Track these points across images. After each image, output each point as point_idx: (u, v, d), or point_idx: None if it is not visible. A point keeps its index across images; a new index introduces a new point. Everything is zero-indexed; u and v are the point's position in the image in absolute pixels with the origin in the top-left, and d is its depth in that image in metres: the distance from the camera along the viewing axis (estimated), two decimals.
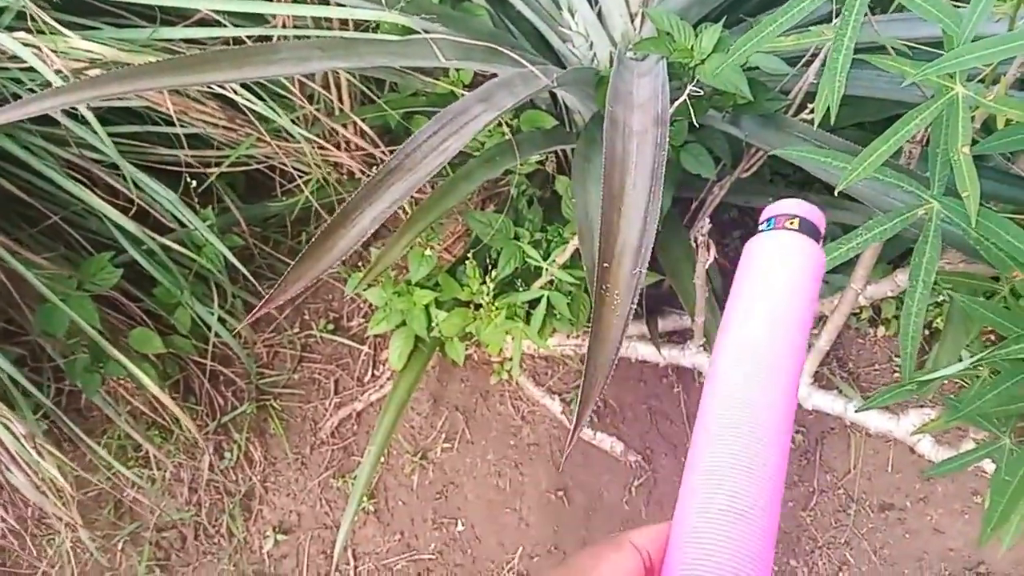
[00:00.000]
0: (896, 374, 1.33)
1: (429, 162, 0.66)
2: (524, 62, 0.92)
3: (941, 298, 1.24)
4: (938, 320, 1.27)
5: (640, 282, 0.54)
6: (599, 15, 1.15)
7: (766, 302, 0.35)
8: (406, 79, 1.32)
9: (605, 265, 0.54)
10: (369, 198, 0.64)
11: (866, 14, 0.62)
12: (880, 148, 0.59)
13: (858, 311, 1.35)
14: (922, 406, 1.00)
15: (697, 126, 1.06)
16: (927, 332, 1.31)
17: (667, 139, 0.65)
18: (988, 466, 0.98)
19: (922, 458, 1.18)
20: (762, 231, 0.38)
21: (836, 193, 0.63)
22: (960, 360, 0.86)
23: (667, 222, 1.19)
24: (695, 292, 0.96)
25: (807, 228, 0.37)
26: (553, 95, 1.34)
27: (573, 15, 1.19)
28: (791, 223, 0.37)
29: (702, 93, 0.71)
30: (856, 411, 1.03)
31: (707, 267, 1.02)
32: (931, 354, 1.22)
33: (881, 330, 1.35)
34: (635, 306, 0.54)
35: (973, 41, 0.56)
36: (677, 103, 0.70)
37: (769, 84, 1.00)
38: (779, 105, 0.97)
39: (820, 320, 1.15)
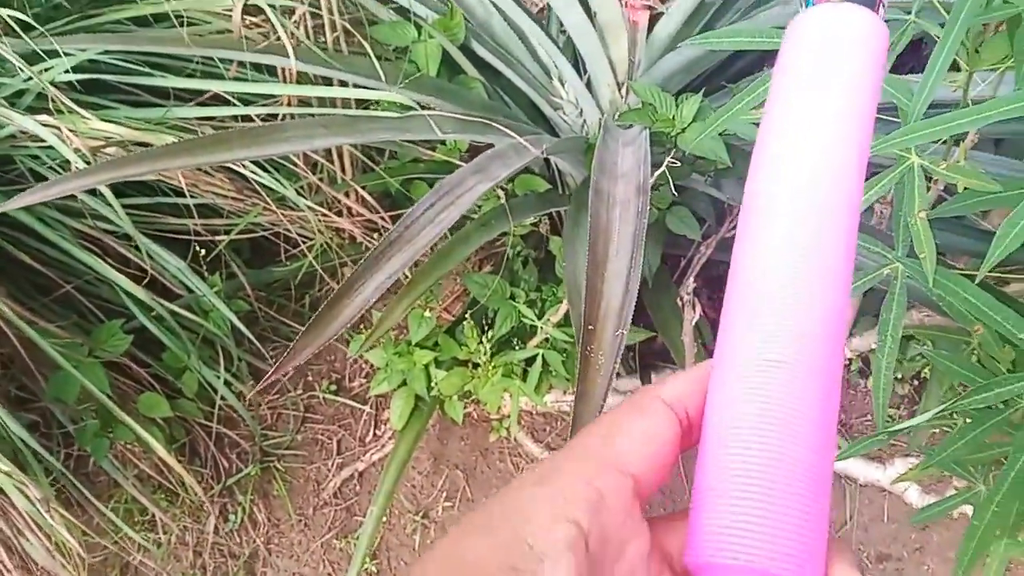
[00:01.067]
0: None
1: (427, 232, 0.71)
2: (516, 136, 0.98)
3: (926, 346, 1.28)
4: (926, 370, 1.31)
5: (622, 343, 0.58)
6: (588, 84, 1.21)
7: (821, 96, 0.27)
8: (405, 147, 1.38)
9: (590, 327, 0.58)
10: (372, 269, 0.69)
11: None
12: None
13: (848, 363, 1.39)
14: (907, 456, 1.02)
15: (681, 188, 1.12)
16: (916, 383, 1.34)
17: (648, 207, 0.70)
18: None
19: (913, 508, 1.20)
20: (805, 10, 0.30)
21: None
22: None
23: (657, 280, 1.24)
24: (684, 347, 1.00)
25: None
26: (547, 159, 1.41)
27: (563, 84, 1.26)
28: None
29: (680, 164, 0.76)
30: (836, 459, 1.06)
31: (695, 323, 1.06)
32: (920, 404, 1.25)
33: (870, 381, 1.38)
34: (618, 365, 0.58)
35: (928, 110, 0.61)
36: (658, 171, 0.75)
37: (747, 149, 1.05)
38: None
39: None
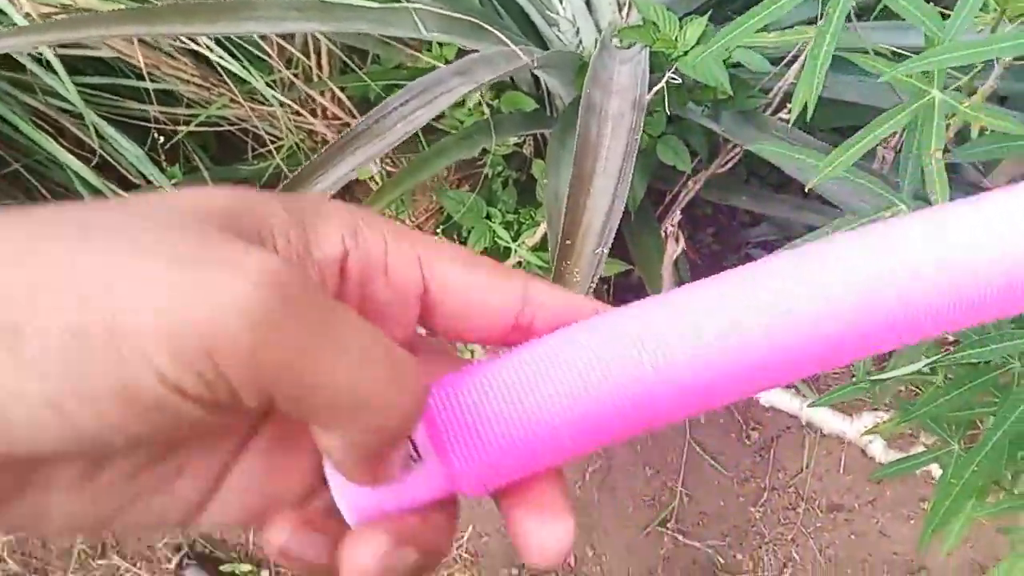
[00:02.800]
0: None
1: (397, 130, 0.65)
2: (508, 41, 0.91)
3: None
4: None
5: (602, 262, 0.54)
6: (587, 1, 1.14)
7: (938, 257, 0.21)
8: (389, 51, 1.30)
9: (568, 242, 0.54)
10: (333, 160, 0.63)
11: (851, 19, 0.63)
12: (853, 147, 0.59)
13: None
14: (876, 409, 1.01)
15: (676, 117, 1.06)
16: None
17: (642, 124, 0.65)
18: (937, 472, 1.00)
19: (873, 461, 1.19)
20: None
21: (807, 191, 0.63)
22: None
23: (640, 213, 1.19)
24: (663, 281, 0.96)
25: None
26: (536, 79, 1.33)
27: (562, 0, 1.19)
28: None
29: (681, 82, 0.71)
30: (808, 406, 1.05)
31: (676, 258, 1.02)
32: (891, 361, 1.23)
33: None
34: (594, 284, 0.54)
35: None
36: (656, 88, 0.70)
37: (751, 83, 1.00)
38: (758, 103, 0.97)
39: None
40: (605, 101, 0.73)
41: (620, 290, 1.29)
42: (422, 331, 0.24)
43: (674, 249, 0.87)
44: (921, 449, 0.85)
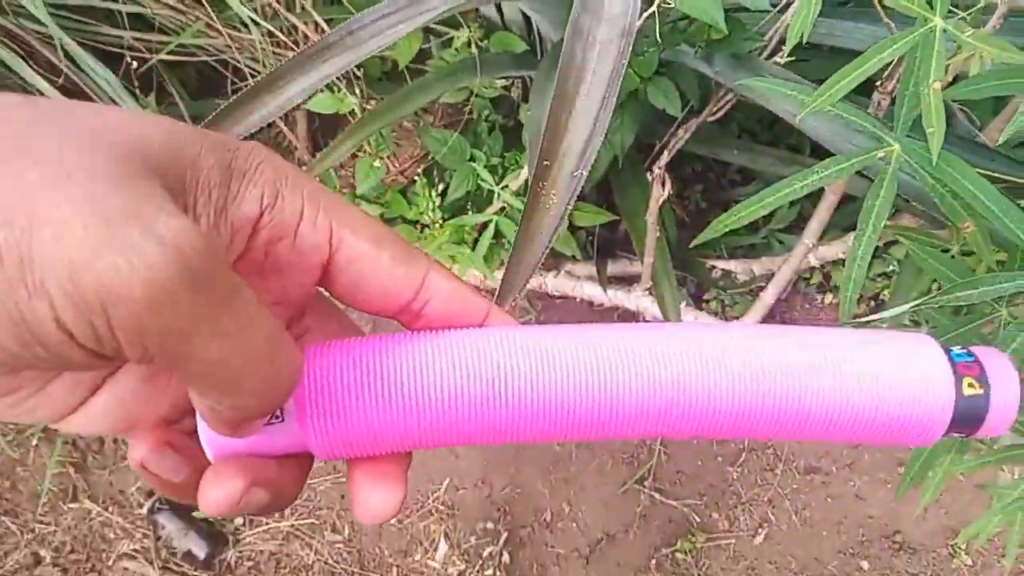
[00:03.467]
0: None
1: (371, 44, 0.61)
2: None
3: (891, 268, 1.23)
4: (885, 292, 1.27)
5: (578, 185, 0.51)
6: None
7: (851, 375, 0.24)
8: None
9: (546, 163, 0.51)
10: (302, 67, 0.59)
11: None
12: (848, 76, 0.56)
13: (808, 275, 1.34)
14: None
15: (667, 62, 1.03)
16: (874, 303, 1.30)
17: (629, 50, 0.62)
18: None
19: None
20: (944, 350, 0.25)
21: (799, 120, 0.60)
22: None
23: (628, 163, 1.16)
24: (648, 229, 0.93)
25: (972, 408, 0.24)
26: (528, 21, 1.29)
27: None
28: (972, 385, 0.24)
29: (672, 5, 0.67)
30: None
31: (661, 208, 0.99)
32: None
33: (829, 297, 1.34)
34: (570, 208, 0.51)
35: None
36: (647, 13, 0.66)
37: (747, 24, 0.96)
38: (754, 45, 0.94)
39: (769, 276, 1.13)
40: (594, 27, 0.70)
41: (605, 243, 1.26)
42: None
43: (660, 194, 0.84)
44: None
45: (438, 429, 0.23)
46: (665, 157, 0.77)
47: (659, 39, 0.70)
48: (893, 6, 0.53)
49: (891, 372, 0.24)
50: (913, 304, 0.54)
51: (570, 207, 0.51)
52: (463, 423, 0.23)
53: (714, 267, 1.25)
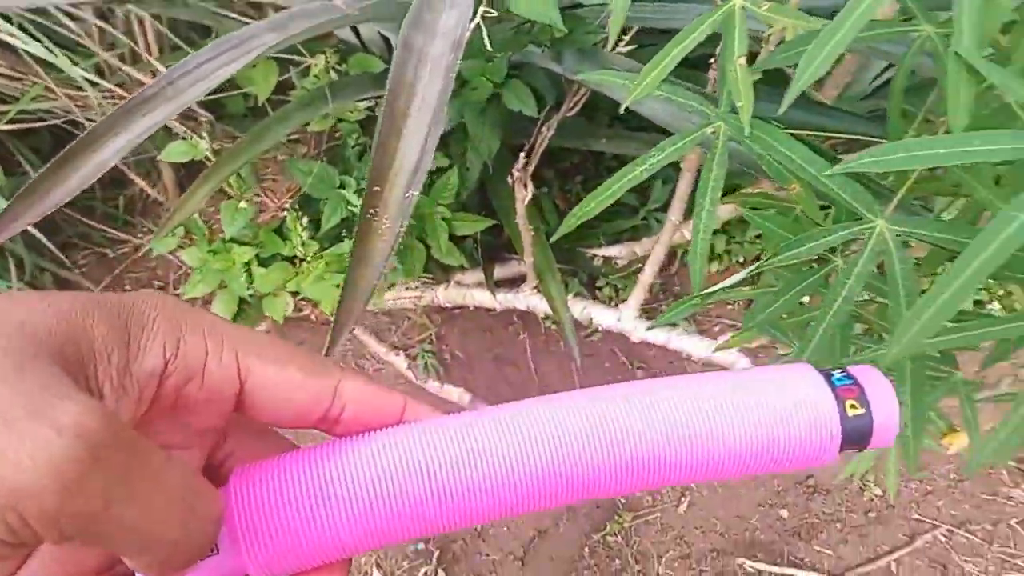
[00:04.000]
0: (729, 306, 1.38)
1: (194, 90, 0.60)
2: None
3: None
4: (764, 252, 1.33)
5: (410, 205, 0.51)
6: None
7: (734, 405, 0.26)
8: (224, 24, 1.23)
9: (376, 188, 0.51)
10: (121, 123, 0.58)
11: None
12: (661, 62, 0.59)
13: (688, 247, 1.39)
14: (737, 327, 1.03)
15: (520, 64, 1.05)
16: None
17: (458, 61, 0.63)
18: None
19: None
20: (824, 376, 0.27)
21: (624, 110, 0.62)
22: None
23: (499, 167, 1.17)
24: (520, 232, 0.95)
25: (857, 428, 0.26)
26: (386, 40, 1.29)
27: None
28: (855, 406, 0.26)
29: (496, 14, 0.69)
30: (647, 330, 1.06)
31: (540, 205, 1.01)
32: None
33: (715, 265, 1.39)
34: (402, 229, 0.51)
35: None
36: (473, 22, 0.67)
37: (587, 18, 0.99)
38: (596, 38, 0.97)
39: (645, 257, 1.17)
40: (427, 44, 0.71)
41: (489, 248, 1.28)
42: None
43: (523, 195, 0.85)
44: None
45: (371, 532, 0.24)
46: (522, 161, 0.79)
47: (488, 45, 0.71)
48: None
49: (778, 407, 0.26)
50: (748, 271, 0.56)
51: (401, 229, 0.52)
52: (394, 522, 0.24)
53: (595, 255, 1.28)
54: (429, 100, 0.60)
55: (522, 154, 0.82)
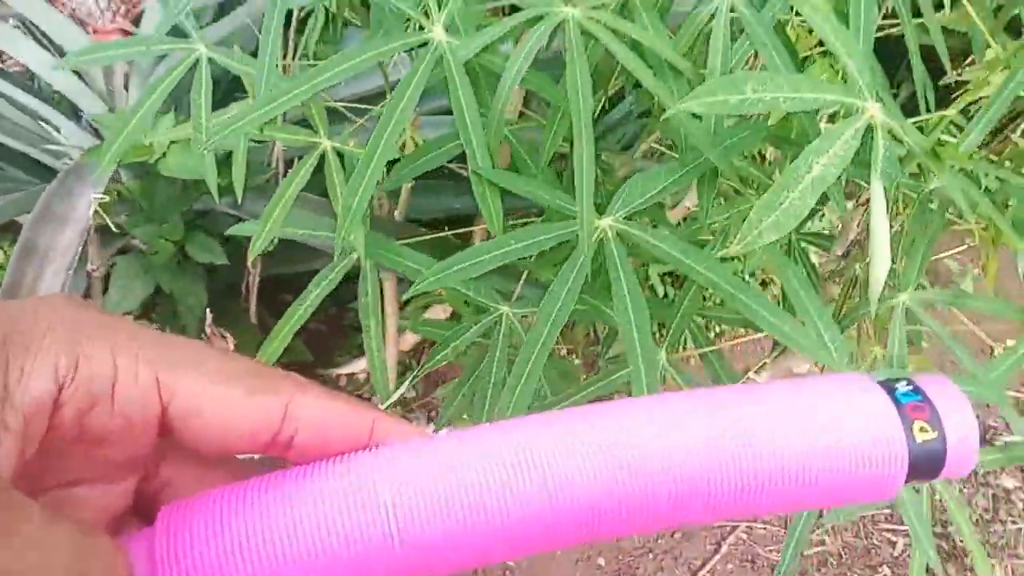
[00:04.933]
0: None
1: None
2: None
3: None
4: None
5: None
6: (86, 125, 1.09)
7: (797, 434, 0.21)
8: None
9: None
10: None
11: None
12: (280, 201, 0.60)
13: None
14: None
15: (203, 212, 1.03)
16: None
17: (81, 248, 0.60)
18: None
19: None
20: (887, 391, 0.22)
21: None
22: None
23: (229, 309, 1.14)
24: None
25: (928, 456, 0.22)
26: None
27: (60, 131, 1.12)
28: (925, 429, 0.22)
29: (106, 199, 0.67)
30: None
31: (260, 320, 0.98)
32: None
33: None
34: None
35: None
36: (92, 208, 0.65)
37: (252, 159, 0.99)
38: (265, 175, 0.97)
39: None
40: (57, 236, 0.67)
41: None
42: None
43: (223, 344, 0.83)
44: None
45: None
46: (208, 317, 0.77)
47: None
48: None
49: (833, 432, 0.22)
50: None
51: None
52: (339, 571, 0.20)
53: (339, 375, 1.27)
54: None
55: (206, 311, 0.80)
